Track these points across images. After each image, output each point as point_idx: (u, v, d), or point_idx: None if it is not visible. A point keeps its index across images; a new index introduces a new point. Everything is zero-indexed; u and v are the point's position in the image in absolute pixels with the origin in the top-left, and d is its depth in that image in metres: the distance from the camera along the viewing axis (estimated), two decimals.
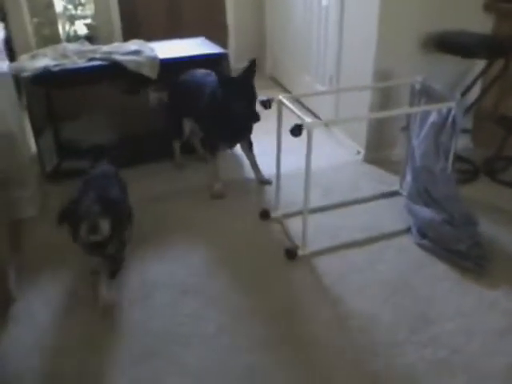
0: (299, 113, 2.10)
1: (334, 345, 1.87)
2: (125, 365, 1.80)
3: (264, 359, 1.81)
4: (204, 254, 2.35)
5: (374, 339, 1.90)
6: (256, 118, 2.43)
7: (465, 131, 2.82)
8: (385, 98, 2.97)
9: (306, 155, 2.09)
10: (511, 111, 3.00)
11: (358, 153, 3.20)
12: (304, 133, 2.03)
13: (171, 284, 2.16)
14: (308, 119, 2.03)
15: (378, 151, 3.13)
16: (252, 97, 2.49)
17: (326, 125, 3.52)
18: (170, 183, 2.94)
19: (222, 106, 2.51)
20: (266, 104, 2.25)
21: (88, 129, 3.03)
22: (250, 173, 3.02)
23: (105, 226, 1.91)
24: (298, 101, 3.90)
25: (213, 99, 2.58)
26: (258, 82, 4.32)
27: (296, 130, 1.96)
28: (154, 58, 2.86)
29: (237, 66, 4.76)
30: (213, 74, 2.68)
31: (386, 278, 2.18)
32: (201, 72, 2.86)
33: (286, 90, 4.26)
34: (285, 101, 2.21)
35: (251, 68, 2.55)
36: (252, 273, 2.23)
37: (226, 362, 1.81)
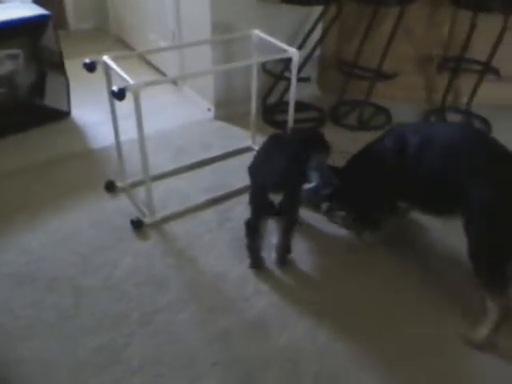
0: (124, 74, 1.95)
1: (185, 308, 1.83)
2: None
3: (114, 337, 1.73)
4: (43, 237, 2.16)
5: (223, 295, 1.90)
6: None
7: (304, 79, 2.84)
8: (227, 52, 2.90)
9: (137, 119, 1.96)
10: (350, 57, 3.08)
11: (209, 110, 3.12)
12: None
13: (4, 275, 1.96)
14: (132, 80, 1.89)
15: (227, 107, 3.08)
16: None
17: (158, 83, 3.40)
18: (13, 158, 2.67)
19: None
20: (90, 67, 2.06)
21: None
22: (91, 143, 2.83)
23: None
24: (146, 61, 3.73)
25: None
26: (103, 45, 4.10)
27: (118, 94, 1.82)
28: None
29: (78, 27, 4.46)
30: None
31: (234, 235, 2.16)
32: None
33: (133, 50, 4.02)
34: (109, 62, 2.04)
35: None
36: (97, 250, 2.09)
37: (71, 348, 1.69)
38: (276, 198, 1.80)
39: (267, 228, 1.94)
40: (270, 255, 2.02)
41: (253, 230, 1.90)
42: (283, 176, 1.86)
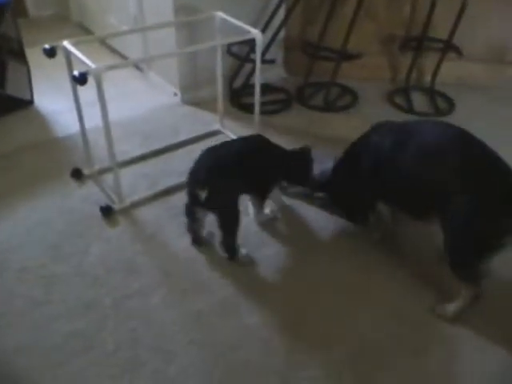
0: (85, 58, 1.92)
1: (157, 292, 1.84)
2: None
3: (87, 323, 1.73)
4: (10, 226, 2.13)
5: (196, 278, 1.92)
6: None
7: (269, 62, 2.85)
8: (191, 36, 2.87)
9: (100, 104, 1.93)
10: (315, 38, 3.10)
11: (175, 95, 3.10)
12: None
13: None
14: (94, 65, 1.86)
15: (194, 91, 3.07)
16: None
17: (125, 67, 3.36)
18: None
19: None
20: (50, 52, 2.02)
21: None
22: (56, 132, 2.79)
23: None
24: (110, 47, 3.67)
25: None
26: (63, 31, 4.01)
27: (79, 78, 1.79)
28: None
29: (38, 14, 4.35)
30: None
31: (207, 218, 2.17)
32: None
33: None
34: (69, 47, 2.01)
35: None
36: (66, 238, 2.07)
37: (44, 335, 1.69)
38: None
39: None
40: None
41: (189, 213, 1.97)
42: (204, 176, 1.86)
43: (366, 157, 1.89)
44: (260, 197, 2.10)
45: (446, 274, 1.73)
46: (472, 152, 1.68)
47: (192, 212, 1.96)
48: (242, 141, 2.10)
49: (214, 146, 2.03)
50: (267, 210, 2.18)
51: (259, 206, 2.12)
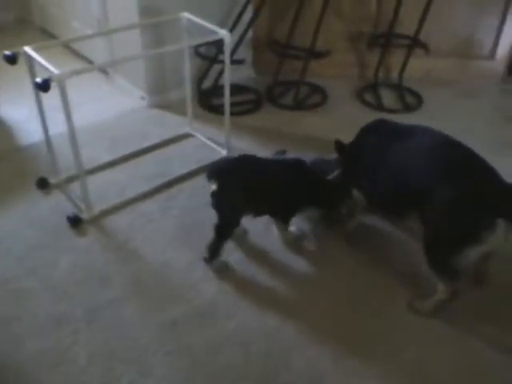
0: (47, 64, 1.86)
1: (130, 302, 1.80)
2: None
3: (59, 337, 1.67)
4: None
5: (170, 285, 1.88)
6: None
7: (238, 62, 2.82)
8: (157, 38, 2.82)
9: (64, 111, 1.87)
10: (283, 37, 3.08)
11: (143, 98, 3.04)
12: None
13: None
14: (57, 70, 1.80)
15: (162, 94, 3.02)
16: None
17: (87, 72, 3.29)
18: None
19: None
20: (11, 59, 1.95)
21: None
22: (20, 140, 2.70)
23: None
24: (74, 52, 3.58)
25: None
26: (26, 37, 3.90)
27: (42, 85, 1.73)
28: None
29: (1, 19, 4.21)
30: None
31: (179, 223, 2.14)
32: None
33: None
34: (31, 52, 1.94)
35: None
36: (34, 250, 2.00)
37: (14, 352, 1.63)
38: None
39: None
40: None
41: None
42: (222, 172, 1.84)
43: (359, 156, 1.95)
44: (280, 220, 2.05)
45: (422, 270, 1.74)
46: (457, 154, 1.72)
47: None
48: (277, 163, 2.06)
49: (253, 156, 1.99)
50: (293, 228, 2.10)
51: (282, 227, 2.07)
